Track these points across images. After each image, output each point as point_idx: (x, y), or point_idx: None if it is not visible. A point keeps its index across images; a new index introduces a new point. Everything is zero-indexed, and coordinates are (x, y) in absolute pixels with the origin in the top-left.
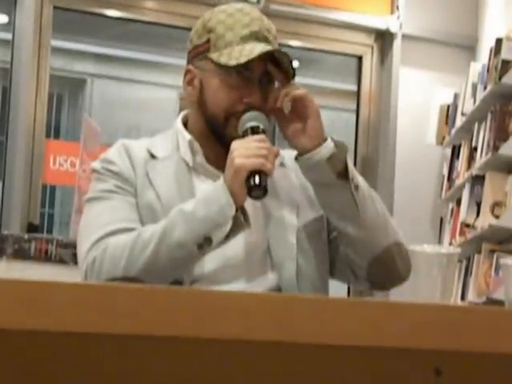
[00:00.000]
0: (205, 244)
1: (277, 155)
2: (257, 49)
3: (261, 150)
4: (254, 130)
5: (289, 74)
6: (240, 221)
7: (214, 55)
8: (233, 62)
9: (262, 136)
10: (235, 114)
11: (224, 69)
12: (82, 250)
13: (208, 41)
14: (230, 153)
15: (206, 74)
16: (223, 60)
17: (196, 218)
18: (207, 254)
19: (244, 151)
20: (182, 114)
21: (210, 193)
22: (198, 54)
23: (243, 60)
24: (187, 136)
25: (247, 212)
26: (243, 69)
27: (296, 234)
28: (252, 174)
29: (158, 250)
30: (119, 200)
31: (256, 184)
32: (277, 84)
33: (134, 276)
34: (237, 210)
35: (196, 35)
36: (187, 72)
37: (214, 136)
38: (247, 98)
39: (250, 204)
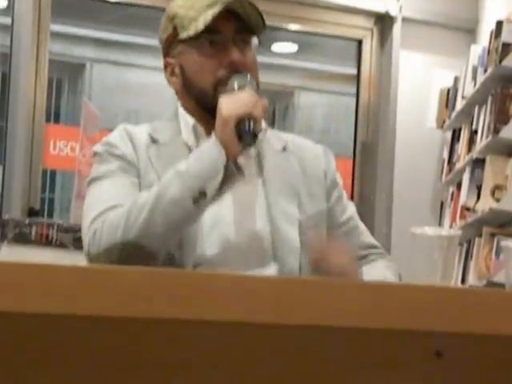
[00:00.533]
0: (200, 199)
1: (265, 106)
2: (215, 10)
3: (248, 100)
4: (240, 88)
5: (260, 28)
6: (232, 171)
7: (182, 35)
8: (192, 32)
9: (248, 90)
10: (221, 82)
11: (195, 43)
12: (84, 225)
13: (175, 27)
14: (218, 108)
15: (182, 56)
16: (190, 33)
17: (189, 174)
18: (202, 211)
19: (231, 102)
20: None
21: (201, 149)
22: (170, 44)
23: (201, 26)
24: (191, 120)
25: (242, 167)
26: (213, 35)
27: (298, 227)
28: (241, 121)
29: (153, 210)
30: (122, 178)
31: (246, 130)
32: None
33: (133, 241)
34: (229, 161)
35: (163, 30)
36: (166, 66)
37: (210, 115)
38: (226, 59)
39: (252, 194)
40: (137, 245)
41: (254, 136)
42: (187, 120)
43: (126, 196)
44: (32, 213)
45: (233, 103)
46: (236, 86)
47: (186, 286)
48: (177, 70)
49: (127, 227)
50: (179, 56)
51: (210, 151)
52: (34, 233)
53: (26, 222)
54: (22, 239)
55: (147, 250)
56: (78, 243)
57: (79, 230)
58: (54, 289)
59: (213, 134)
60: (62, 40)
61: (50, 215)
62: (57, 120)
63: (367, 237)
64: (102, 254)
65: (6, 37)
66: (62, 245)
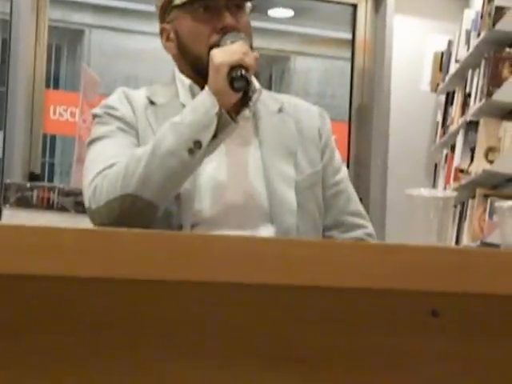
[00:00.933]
0: (195, 148)
1: (256, 56)
2: None
3: (240, 50)
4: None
5: None
6: (226, 120)
7: (176, 1)
8: None
9: (239, 42)
10: (215, 46)
11: (189, 8)
12: (85, 183)
13: None
14: (210, 58)
15: (177, 22)
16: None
17: (184, 125)
18: (198, 162)
19: (223, 52)
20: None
21: (195, 100)
22: (165, 9)
23: None
24: (187, 81)
25: (235, 117)
26: (207, 0)
27: (294, 187)
28: (233, 68)
29: (150, 161)
30: (121, 138)
31: (237, 75)
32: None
33: (132, 193)
34: (222, 110)
35: None
36: (162, 32)
37: (205, 79)
38: (219, 24)
39: (249, 155)
40: (136, 197)
41: (247, 82)
42: (184, 81)
43: (125, 155)
44: (33, 177)
45: (224, 53)
46: (229, 42)
47: (185, 247)
48: (172, 36)
49: (126, 180)
50: (174, 22)
51: (203, 101)
52: (35, 197)
53: (28, 186)
54: (23, 203)
55: (146, 202)
56: (78, 207)
57: (80, 194)
58: (54, 251)
59: (206, 86)
60: (61, 6)
61: (51, 179)
62: (56, 86)
63: (355, 204)
64: (102, 208)
65: (6, 4)
66: (63, 208)
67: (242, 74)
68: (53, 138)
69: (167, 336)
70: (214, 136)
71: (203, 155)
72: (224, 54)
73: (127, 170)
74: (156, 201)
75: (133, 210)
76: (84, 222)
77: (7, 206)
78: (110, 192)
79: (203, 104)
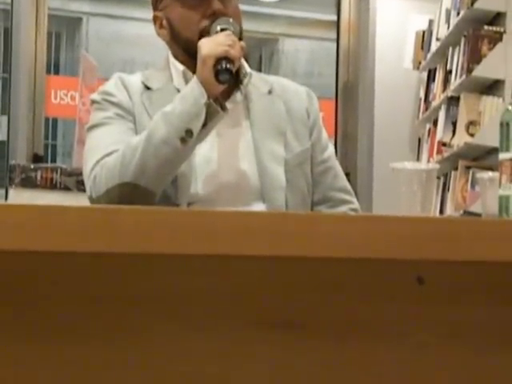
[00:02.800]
0: (187, 137)
1: (243, 47)
2: None
3: (226, 41)
4: (222, 30)
5: None
6: (215, 109)
7: None
8: None
9: (227, 32)
10: (205, 31)
11: None
12: (86, 171)
13: None
14: (198, 49)
15: (168, 9)
16: None
17: (175, 115)
18: (191, 150)
19: (210, 43)
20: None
21: (184, 90)
22: None
23: None
24: (180, 67)
25: (225, 105)
26: None
27: (284, 165)
28: (219, 61)
29: (145, 151)
30: (119, 125)
31: (222, 68)
32: None
33: (130, 181)
34: (210, 99)
35: None
36: (155, 19)
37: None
38: (208, 10)
39: (240, 136)
40: (133, 185)
41: (231, 74)
42: (177, 67)
43: (122, 142)
44: (36, 158)
45: (211, 44)
46: (218, 28)
47: (183, 222)
48: (164, 23)
49: (123, 169)
50: (165, 9)
51: (191, 91)
52: (39, 177)
53: (32, 167)
54: (28, 183)
55: (144, 190)
56: (80, 186)
57: (81, 174)
58: (59, 228)
59: (194, 76)
60: None
61: (54, 160)
62: (57, 71)
63: (341, 180)
64: (102, 197)
65: None
66: (65, 187)
67: (226, 67)
68: (54, 121)
69: (168, 307)
70: (205, 124)
71: (195, 143)
72: (210, 46)
73: (124, 159)
74: (153, 187)
75: (131, 198)
76: (86, 200)
77: (13, 186)
78: (108, 181)
79: (192, 94)
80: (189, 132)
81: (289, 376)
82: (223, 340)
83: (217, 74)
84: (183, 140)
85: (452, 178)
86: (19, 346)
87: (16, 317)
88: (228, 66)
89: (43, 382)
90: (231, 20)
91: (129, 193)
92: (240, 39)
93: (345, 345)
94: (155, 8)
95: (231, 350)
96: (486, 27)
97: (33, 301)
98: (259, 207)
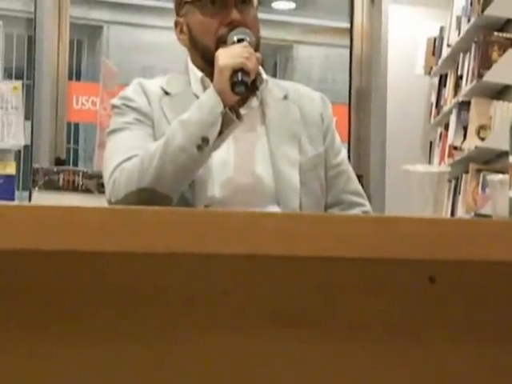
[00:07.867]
0: (203, 144)
1: (259, 59)
2: None
3: (242, 53)
4: (239, 41)
5: None
6: (231, 118)
7: None
8: None
9: (244, 43)
10: (222, 39)
11: (198, 3)
12: (105, 175)
13: None
14: (215, 60)
15: (189, 16)
16: None
17: (192, 123)
18: (207, 157)
19: (227, 54)
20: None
21: (201, 99)
22: (179, 4)
23: None
24: (199, 73)
25: (240, 113)
26: None
27: (298, 169)
28: (235, 72)
29: (163, 158)
30: (138, 130)
31: (238, 80)
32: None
33: (147, 186)
34: (225, 108)
35: None
36: (176, 25)
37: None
38: (226, 19)
39: (256, 141)
40: (151, 190)
41: (246, 86)
42: (196, 73)
43: (141, 147)
44: (59, 162)
45: (228, 55)
46: (235, 38)
47: (200, 223)
48: (184, 29)
49: (141, 175)
50: (186, 15)
51: (208, 100)
52: (61, 180)
53: (54, 170)
54: (51, 186)
55: (161, 195)
56: (101, 188)
57: (102, 176)
58: (81, 229)
59: (211, 85)
60: (81, 4)
61: (75, 164)
62: (78, 78)
63: (354, 183)
64: (121, 202)
65: (30, 3)
66: (87, 190)
67: (242, 80)
68: (76, 125)
69: (186, 304)
70: (221, 131)
71: (211, 150)
72: (227, 57)
73: (142, 165)
74: (170, 193)
75: (149, 202)
76: (106, 202)
77: (36, 188)
78: (127, 186)
79: (208, 102)
80: (205, 140)
81: (302, 373)
82: (239, 337)
83: (233, 85)
84: (199, 147)
85: (463, 181)
86: (44, 342)
87: (40, 315)
88: (244, 78)
89: (51, 381)
90: (248, 31)
91: (147, 198)
92: (256, 50)
93: (358, 343)
94: (177, 13)
95: (246, 347)
96: (496, 33)
97: (58, 299)
98: (274, 210)
